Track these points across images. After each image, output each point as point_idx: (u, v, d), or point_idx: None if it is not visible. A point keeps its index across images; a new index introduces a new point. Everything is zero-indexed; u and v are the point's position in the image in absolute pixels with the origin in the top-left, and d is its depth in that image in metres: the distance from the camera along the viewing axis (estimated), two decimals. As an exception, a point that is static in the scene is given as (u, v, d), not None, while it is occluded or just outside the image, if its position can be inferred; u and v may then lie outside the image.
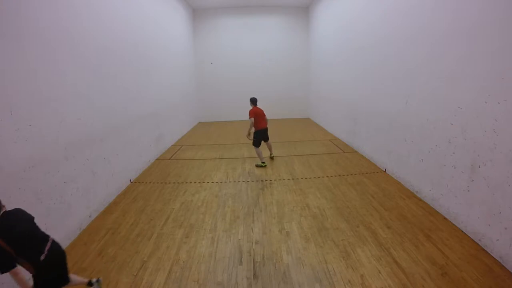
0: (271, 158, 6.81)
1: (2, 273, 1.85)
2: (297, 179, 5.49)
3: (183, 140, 9.33)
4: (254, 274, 2.94)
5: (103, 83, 4.62)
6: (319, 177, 5.52)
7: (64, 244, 3.44)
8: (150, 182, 5.49)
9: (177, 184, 5.38)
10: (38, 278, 2.08)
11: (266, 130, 6.53)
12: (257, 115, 6.22)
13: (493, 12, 3.06)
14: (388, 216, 3.98)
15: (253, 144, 6.30)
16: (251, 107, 6.38)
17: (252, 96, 6.55)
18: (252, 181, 5.47)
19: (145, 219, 4.10)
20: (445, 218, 3.86)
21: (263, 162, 6.26)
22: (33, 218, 2.21)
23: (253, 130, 6.26)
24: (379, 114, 5.94)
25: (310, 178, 5.52)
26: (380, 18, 5.74)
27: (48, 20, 3.37)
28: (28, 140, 2.97)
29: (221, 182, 5.44)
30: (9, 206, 2.67)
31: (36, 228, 2.20)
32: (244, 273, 2.97)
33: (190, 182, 5.45)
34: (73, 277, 2.50)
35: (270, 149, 6.86)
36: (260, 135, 6.33)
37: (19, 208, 2.19)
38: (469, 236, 3.42)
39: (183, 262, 3.15)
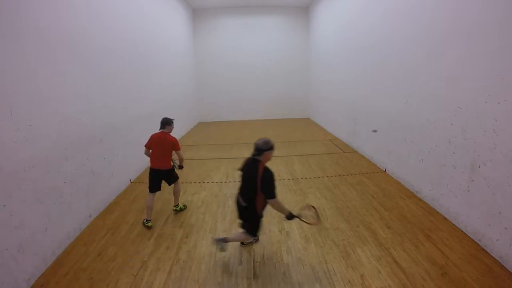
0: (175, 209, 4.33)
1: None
2: (297, 179, 5.49)
3: (183, 140, 9.33)
4: (254, 274, 2.94)
5: (103, 83, 4.62)
6: (319, 177, 5.52)
7: (64, 244, 3.45)
8: (150, 182, 5.48)
9: (177, 184, 5.37)
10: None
11: (157, 171, 3.97)
12: (151, 144, 4.00)
13: (493, 12, 3.07)
14: (388, 216, 3.98)
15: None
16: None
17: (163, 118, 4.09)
18: (252, 181, 5.47)
19: (145, 219, 4.09)
20: (445, 218, 3.85)
21: (147, 220, 3.91)
22: None
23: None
24: (379, 114, 5.94)
25: (310, 178, 5.52)
26: (380, 18, 5.74)
27: (48, 20, 3.37)
28: (28, 140, 2.96)
29: (221, 182, 5.44)
30: (9, 206, 2.68)
31: None
32: (244, 273, 2.97)
33: (190, 182, 5.45)
34: None
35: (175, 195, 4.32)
36: (150, 175, 4.01)
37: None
38: (469, 236, 3.42)
39: (183, 262, 3.15)
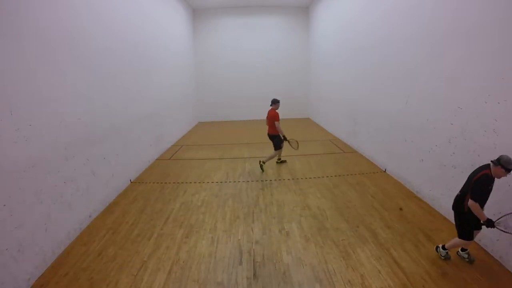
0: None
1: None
2: (297, 179, 5.49)
3: (183, 140, 9.33)
4: (254, 274, 2.94)
5: (103, 83, 4.62)
6: (319, 177, 5.52)
7: (64, 244, 3.45)
8: (150, 182, 5.49)
9: (177, 184, 5.37)
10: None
11: (268, 134, 6.20)
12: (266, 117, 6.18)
13: (493, 12, 3.07)
14: (388, 216, 3.98)
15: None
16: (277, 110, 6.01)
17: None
18: (252, 181, 5.47)
19: (145, 219, 4.09)
20: (445, 218, 3.85)
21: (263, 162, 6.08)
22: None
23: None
24: (379, 114, 5.94)
25: (310, 178, 5.52)
26: (380, 18, 5.74)
27: (48, 20, 3.37)
28: (28, 140, 2.96)
29: (221, 182, 5.44)
30: (9, 206, 2.68)
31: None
32: (244, 273, 2.97)
33: (190, 182, 5.45)
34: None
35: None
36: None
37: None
38: (469, 236, 3.42)
39: (183, 262, 3.15)
